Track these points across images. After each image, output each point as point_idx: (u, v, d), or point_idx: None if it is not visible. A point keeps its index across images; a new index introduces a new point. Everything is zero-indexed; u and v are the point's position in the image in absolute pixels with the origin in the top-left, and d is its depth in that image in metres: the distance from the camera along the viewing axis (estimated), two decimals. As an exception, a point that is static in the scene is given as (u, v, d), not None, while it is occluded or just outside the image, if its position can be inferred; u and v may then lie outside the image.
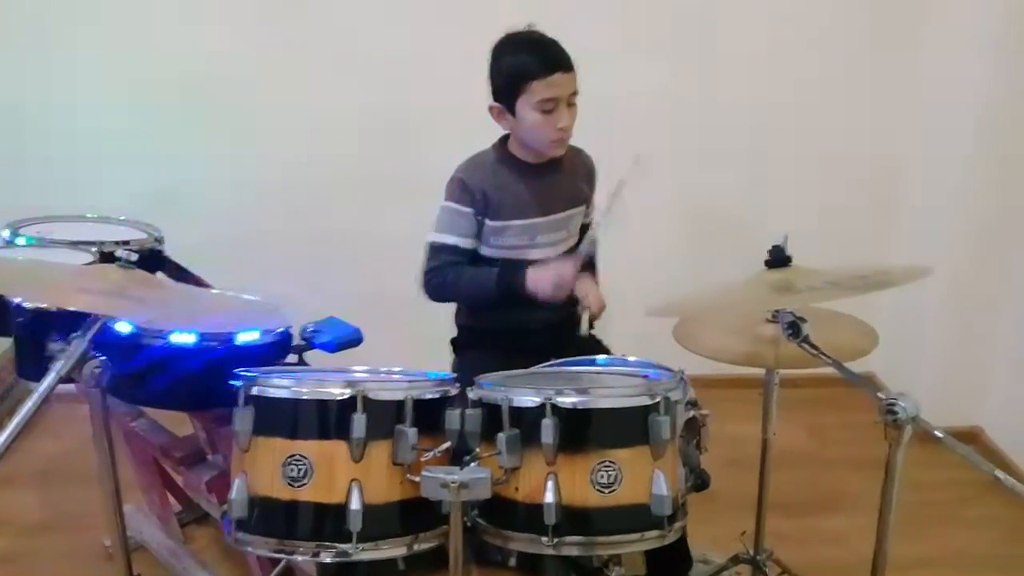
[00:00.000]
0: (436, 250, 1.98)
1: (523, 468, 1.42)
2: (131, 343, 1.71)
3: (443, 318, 2.15)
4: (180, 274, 2.18)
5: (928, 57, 2.98)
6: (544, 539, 1.39)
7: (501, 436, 1.41)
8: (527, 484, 1.41)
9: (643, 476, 1.41)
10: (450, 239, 1.97)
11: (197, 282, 2.19)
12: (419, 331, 2.20)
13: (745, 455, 2.06)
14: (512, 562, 1.66)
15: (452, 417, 1.48)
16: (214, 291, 2.02)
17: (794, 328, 1.58)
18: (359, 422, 1.38)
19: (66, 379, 1.40)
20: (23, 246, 2.07)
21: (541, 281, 1.91)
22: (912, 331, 3.01)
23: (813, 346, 1.58)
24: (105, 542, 2.26)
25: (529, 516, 1.40)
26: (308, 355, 1.94)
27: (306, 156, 3.03)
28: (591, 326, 1.98)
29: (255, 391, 1.44)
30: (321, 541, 1.39)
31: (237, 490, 1.42)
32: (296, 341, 1.91)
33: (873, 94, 3.08)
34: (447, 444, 1.46)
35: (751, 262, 1.66)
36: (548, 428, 1.38)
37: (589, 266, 2.16)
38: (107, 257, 1.92)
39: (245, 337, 1.75)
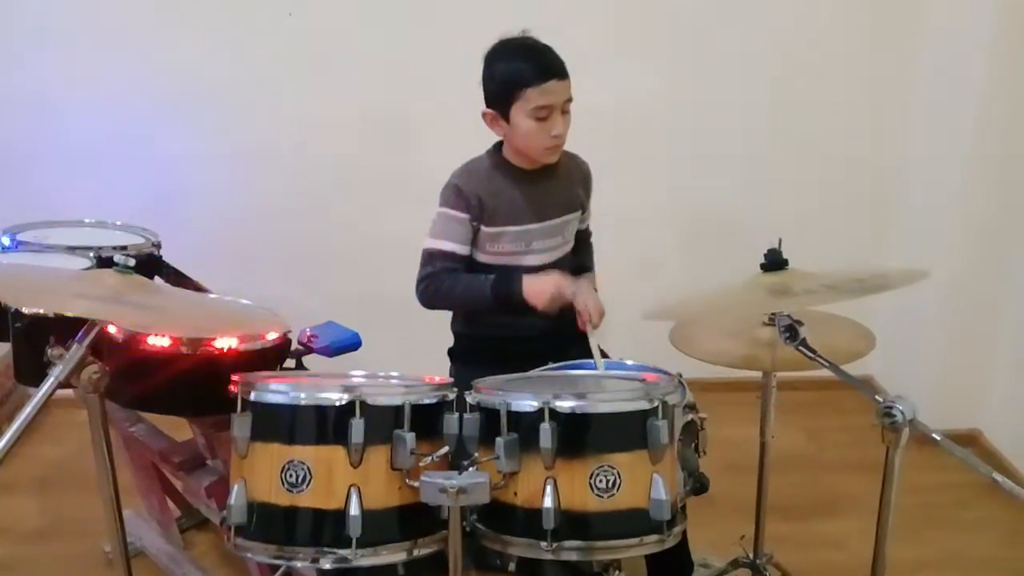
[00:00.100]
0: (432, 256, 1.98)
1: (522, 473, 1.42)
2: (130, 348, 1.71)
3: (441, 323, 2.15)
4: (178, 279, 2.18)
5: (927, 59, 2.99)
6: (543, 544, 1.39)
7: (499, 441, 1.41)
8: (526, 489, 1.41)
9: (642, 480, 1.41)
10: (446, 245, 1.97)
11: (195, 287, 2.19)
12: (418, 336, 2.20)
13: (744, 459, 2.07)
14: (511, 567, 1.65)
15: (450, 422, 1.48)
16: (212, 296, 2.02)
17: (791, 331, 1.59)
18: (357, 427, 1.38)
19: (64, 384, 1.40)
20: (20, 251, 2.07)
21: (538, 293, 1.91)
22: (911, 333, 3.01)
23: (810, 349, 1.58)
24: (105, 548, 2.26)
25: (528, 521, 1.40)
26: (307, 360, 1.94)
27: (305, 160, 3.03)
28: (603, 354, 1.97)
29: (253, 396, 1.44)
30: (320, 547, 1.39)
31: (236, 496, 1.42)
32: (295, 346, 1.91)
33: (870, 97, 3.09)
34: (445, 449, 1.46)
35: (748, 265, 1.66)
36: (546, 433, 1.38)
37: (587, 271, 2.17)
38: (105, 262, 1.91)
39: (243, 342, 1.75)
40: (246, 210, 3.05)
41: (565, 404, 1.40)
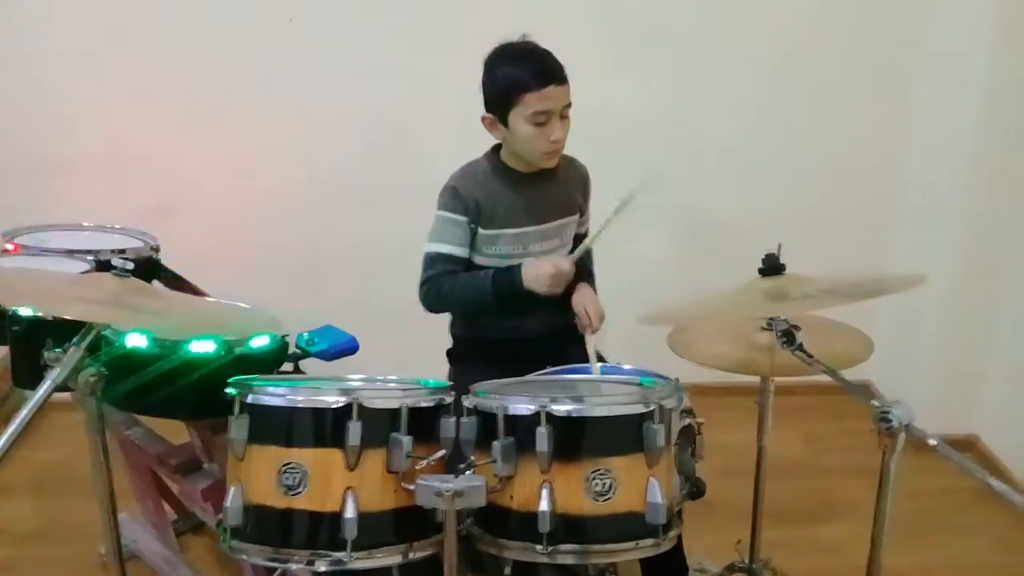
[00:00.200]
0: (432, 260, 1.99)
1: (518, 476, 1.42)
2: (127, 352, 1.71)
3: (439, 327, 2.16)
4: (176, 283, 2.18)
5: (927, 63, 2.99)
6: (539, 547, 1.39)
7: (496, 444, 1.41)
8: (522, 492, 1.41)
9: (638, 484, 1.41)
10: (444, 248, 1.98)
11: (193, 291, 2.19)
12: (415, 340, 2.20)
13: (741, 463, 2.07)
14: (507, 571, 1.66)
15: (447, 425, 1.49)
16: (210, 300, 2.03)
17: (788, 336, 1.59)
18: (354, 430, 1.38)
19: (62, 387, 1.40)
20: (19, 255, 2.07)
21: (537, 277, 1.91)
22: (909, 339, 3.02)
23: (807, 354, 1.58)
24: (100, 551, 2.25)
25: (524, 524, 1.40)
26: (304, 363, 1.94)
27: (302, 165, 3.04)
28: (600, 357, 1.98)
29: (251, 399, 1.44)
30: (316, 549, 1.39)
31: (232, 498, 1.42)
32: (292, 349, 1.91)
33: (870, 102, 3.09)
34: (442, 452, 1.46)
35: (746, 270, 1.66)
36: (543, 436, 1.38)
37: (586, 275, 2.17)
38: (103, 266, 1.92)
39: (241, 346, 1.75)
40: (244, 214, 3.05)
41: (562, 408, 1.40)
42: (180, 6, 2.88)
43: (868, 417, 1.46)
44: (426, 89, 2.95)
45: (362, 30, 2.93)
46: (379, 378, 1.64)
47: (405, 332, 2.32)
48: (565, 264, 1.92)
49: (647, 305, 1.67)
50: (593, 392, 1.70)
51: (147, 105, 2.94)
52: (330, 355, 1.92)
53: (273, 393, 1.44)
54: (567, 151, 2.01)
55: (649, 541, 1.42)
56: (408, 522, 1.43)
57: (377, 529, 1.41)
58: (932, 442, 1.41)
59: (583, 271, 2.15)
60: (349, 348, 1.95)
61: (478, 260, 2.02)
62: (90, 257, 2.04)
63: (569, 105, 1.92)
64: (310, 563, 1.40)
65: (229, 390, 1.47)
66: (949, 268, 2.85)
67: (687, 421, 1.61)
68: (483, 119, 1.96)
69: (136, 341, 1.69)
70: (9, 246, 2.11)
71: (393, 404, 1.43)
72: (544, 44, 1.94)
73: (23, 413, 1.35)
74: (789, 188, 3.16)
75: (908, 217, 3.14)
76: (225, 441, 1.47)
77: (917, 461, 1.61)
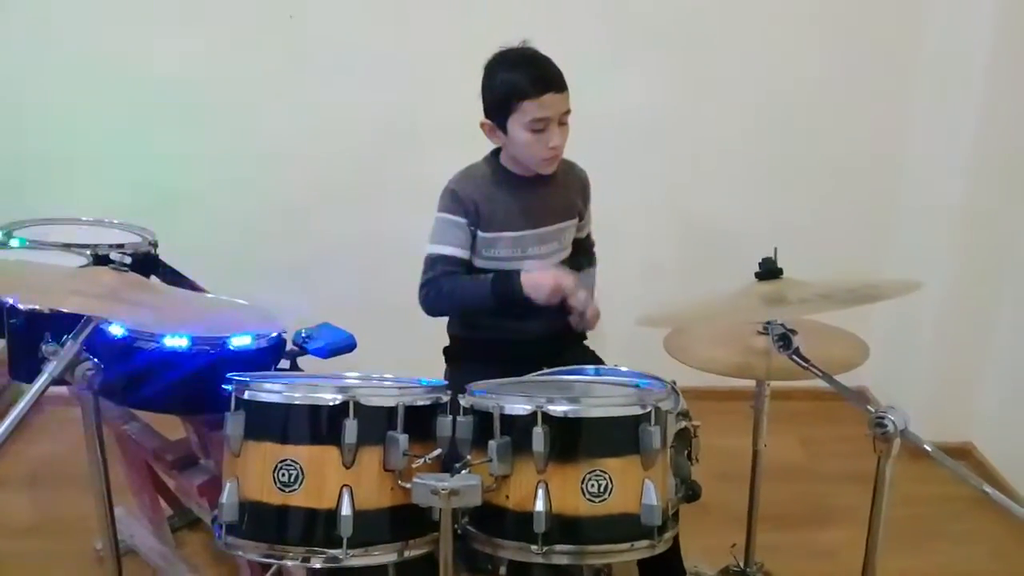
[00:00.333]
0: (432, 261, 1.99)
1: (514, 476, 1.42)
2: (124, 346, 1.71)
3: (437, 325, 2.16)
4: (174, 278, 2.18)
5: (926, 68, 3.00)
6: (534, 547, 1.39)
7: (492, 444, 1.41)
8: (518, 492, 1.41)
9: (633, 485, 1.41)
10: (445, 249, 1.98)
11: (191, 286, 2.19)
12: (413, 338, 2.20)
13: (737, 467, 2.07)
14: (502, 570, 1.66)
15: (444, 424, 1.49)
16: (208, 295, 2.03)
17: (784, 340, 1.60)
18: (351, 428, 1.39)
19: (59, 381, 1.40)
20: (16, 248, 2.07)
21: (538, 286, 1.91)
22: (905, 345, 3.02)
23: (803, 358, 1.59)
24: (96, 546, 2.25)
25: (519, 524, 1.40)
26: (301, 361, 1.94)
27: (302, 162, 3.04)
28: (591, 356, 1.98)
29: (247, 395, 1.44)
30: (311, 546, 1.39)
31: (228, 494, 1.42)
32: (289, 346, 1.91)
33: (869, 106, 3.09)
34: (438, 451, 1.46)
35: (744, 273, 1.67)
36: (539, 436, 1.38)
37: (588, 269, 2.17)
38: (101, 260, 1.92)
39: (238, 342, 1.76)
40: (243, 211, 3.06)
41: (558, 408, 1.40)
42: (180, 3, 2.89)
43: (864, 423, 1.46)
44: (426, 88, 2.95)
45: (363, 29, 2.93)
46: (376, 376, 1.64)
47: (403, 330, 2.32)
48: (567, 280, 1.92)
49: (645, 307, 1.67)
50: (590, 393, 1.70)
51: (148, 101, 2.94)
52: (327, 352, 1.92)
53: (270, 390, 1.44)
54: (567, 154, 2.01)
55: (644, 543, 1.42)
56: (404, 520, 1.43)
57: (373, 527, 1.41)
58: (927, 448, 1.42)
59: (583, 274, 2.16)
60: (346, 346, 1.95)
61: (477, 263, 2.02)
62: (88, 251, 2.04)
63: (568, 112, 1.92)
64: (305, 560, 1.40)
65: (226, 386, 1.47)
66: (946, 273, 2.85)
67: (683, 424, 1.61)
68: (482, 125, 1.96)
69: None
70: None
71: (390, 402, 1.43)
72: (543, 47, 1.94)
73: (20, 407, 1.35)
74: (788, 189, 3.16)
75: (906, 219, 3.14)
76: (221, 437, 1.47)
77: (912, 468, 1.61)
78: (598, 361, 2.03)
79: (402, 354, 2.12)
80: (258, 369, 1.72)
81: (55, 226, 2.24)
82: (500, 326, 2.04)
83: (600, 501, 1.39)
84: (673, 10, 2.96)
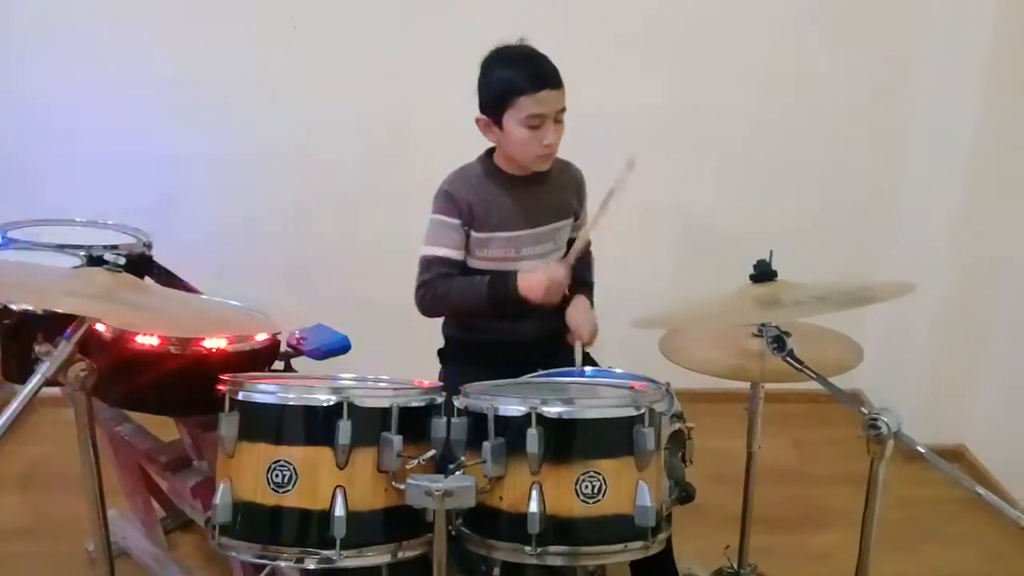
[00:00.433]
0: (427, 263, 1.99)
1: (508, 477, 1.42)
2: (118, 347, 1.70)
3: (431, 327, 2.15)
4: (169, 279, 2.17)
5: (926, 72, 3.00)
6: (528, 548, 1.39)
7: (486, 445, 1.41)
8: (511, 493, 1.41)
9: (627, 487, 1.41)
10: (440, 251, 1.98)
11: (185, 287, 2.19)
12: (407, 340, 2.20)
13: (731, 469, 2.07)
14: (496, 571, 1.66)
15: (438, 425, 1.49)
16: (202, 296, 2.02)
17: (779, 342, 1.60)
18: (344, 429, 1.38)
19: (51, 382, 1.40)
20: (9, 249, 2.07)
21: (532, 286, 1.91)
22: (899, 349, 3.02)
23: (798, 360, 1.59)
24: (88, 547, 2.25)
25: (513, 525, 1.40)
26: (295, 362, 1.94)
27: (297, 165, 3.03)
28: (586, 358, 1.98)
29: (241, 396, 1.44)
30: (305, 547, 1.39)
31: (222, 495, 1.42)
32: (284, 348, 1.91)
33: (867, 109, 3.09)
34: (432, 452, 1.46)
35: (739, 276, 1.67)
36: (533, 438, 1.38)
37: (585, 289, 2.16)
38: (95, 261, 1.91)
39: (233, 343, 1.75)
40: (238, 213, 3.05)
41: (552, 409, 1.41)
42: (179, 5, 2.88)
43: (857, 425, 1.47)
44: (424, 90, 2.95)
45: (360, 32, 2.93)
46: (370, 377, 1.64)
47: (397, 332, 2.32)
48: (559, 273, 1.92)
49: (640, 308, 1.67)
50: (584, 394, 1.70)
51: (145, 104, 2.93)
52: (321, 354, 1.92)
53: (264, 391, 1.44)
54: (563, 154, 2.01)
55: (638, 544, 1.42)
56: (397, 521, 1.43)
57: (366, 528, 1.41)
58: (921, 449, 1.42)
59: (582, 284, 2.15)
60: (341, 347, 1.95)
61: (472, 263, 2.02)
62: (82, 252, 2.03)
63: (563, 110, 1.92)
64: (299, 561, 1.40)
65: (220, 387, 1.47)
66: (942, 275, 2.86)
67: (677, 425, 1.61)
68: (477, 120, 1.96)
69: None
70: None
71: (384, 403, 1.43)
72: (541, 45, 1.94)
73: (12, 407, 1.35)
74: (787, 189, 3.16)
75: (905, 220, 3.14)
76: (215, 438, 1.47)
77: (906, 470, 1.62)
78: (592, 363, 2.03)
79: (396, 355, 2.12)
80: (251, 370, 1.72)
81: (49, 227, 2.23)
82: (495, 328, 2.04)
83: (594, 502, 1.40)
84: (672, 10, 2.96)
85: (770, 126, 3.09)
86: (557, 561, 1.40)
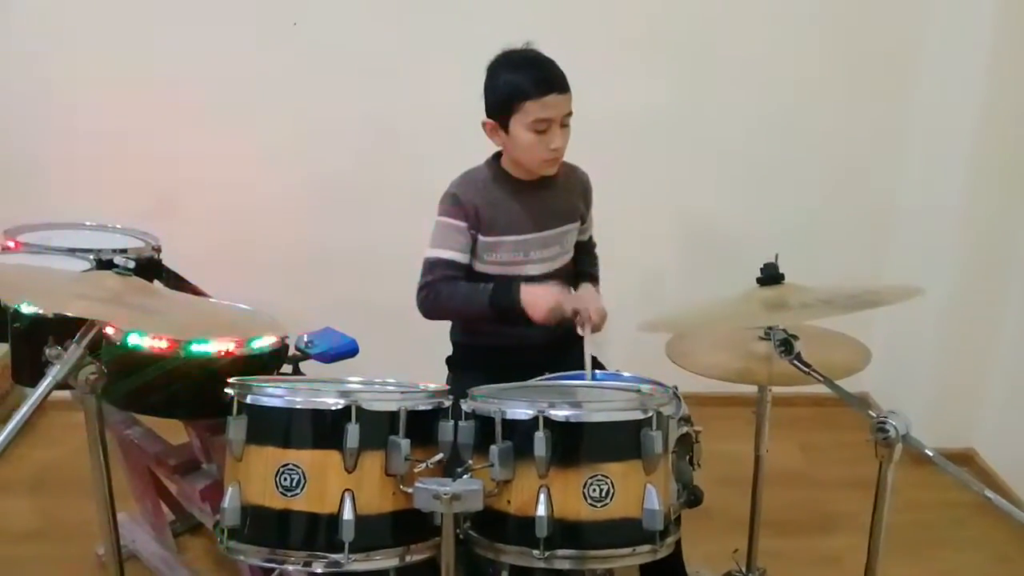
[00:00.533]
0: (432, 265, 1.99)
1: (515, 481, 1.42)
2: (127, 351, 1.71)
3: (439, 331, 2.16)
4: (177, 283, 2.19)
5: (927, 73, 3.00)
6: (536, 552, 1.39)
7: (494, 448, 1.41)
8: (519, 497, 1.41)
9: (635, 490, 1.41)
10: (445, 254, 1.98)
11: (194, 291, 2.20)
12: (415, 343, 2.20)
13: (739, 473, 2.07)
14: (504, 575, 1.66)
15: (445, 429, 1.49)
16: (211, 300, 2.03)
17: (786, 345, 1.60)
18: (352, 432, 1.39)
19: (62, 385, 1.41)
20: (20, 252, 2.08)
21: (535, 305, 1.91)
22: (907, 351, 3.02)
23: (805, 364, 1.59)
24: (98, 551, 2.26)
25: (521, 529, 1.40)
26: (304, 365, 1.95)
27: (305, 167, 3.05)
28: (593, 362, 1.98)
29: (249, 400, 1.44)
30: (313, 551, 1.39)
31: (230, 499, 1.42)
32: (292, 351, 1.92)
33: (870, 111, 3.09)
34: (440, 456, 1.46)
35: (746, 278, 1.67)
36: (541, 441, 1.38)
37: (590, 278, 2.17)
38: (105, 264, 1.92)
39: (241, 347, 1.76)
40: (246, 216, 3.06)
41: (560, 413, 1.40)
42: (181, 7, 2.90)
43: (865, 429, 1.46)
44: (427, 93, 2.96)
45: (363, 33, 2.94)
46: (378, 381, 1.64)
47: (405, 335, 2.32)
48: (567, 304, 1.92)
49: (647, 313, 1.67)
50: (592, 398, 1.70)
51: (150, 107, 2.95)
52: (329, 357, 1.93)
53: (272, 394, 1.44)
54: (568, 157, 2.01)
55: (646, 547, 1.42)
56: (405, 525, 1.43)
57: (374, 531, 1.41)
58: (929, 453, 1.42)
59: (587, 274, 2.16)
60: (349, 351, 1.95)
61: (478, 267, 2.03)
62: (91, 256, 2.04)
63: (570, 114, 1.93)
64: (307, 564, 1.39)
65: (228, 390, 1.47)
66: (948, 277, 2.85)
67: (685, 429, 1.61)
68: (484, 124, 1.97)
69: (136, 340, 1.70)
70: (11, 243, 2.12)
71: (392, 407, 1.43)
72: (544, 47, 1.95)
73: (23, 411, 1.35)
74: (790, 190, 3.16)
75: (907, 220, 3.14)
76: (223, 441, 1.47)
77: (914, 474, 1.62)
78: (600, 367, 2.03)
79: (404, 358, 2.12)
80: (260, 374, 1.72)
81: (58, 231, 2.24)
82: (503, 333, 2.04)
83: (602, 506, 1.39)
84: (674, 12, 2.97)
85: (770, 126, 3.09)
86: (565, 565, 1.40)
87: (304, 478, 1.39)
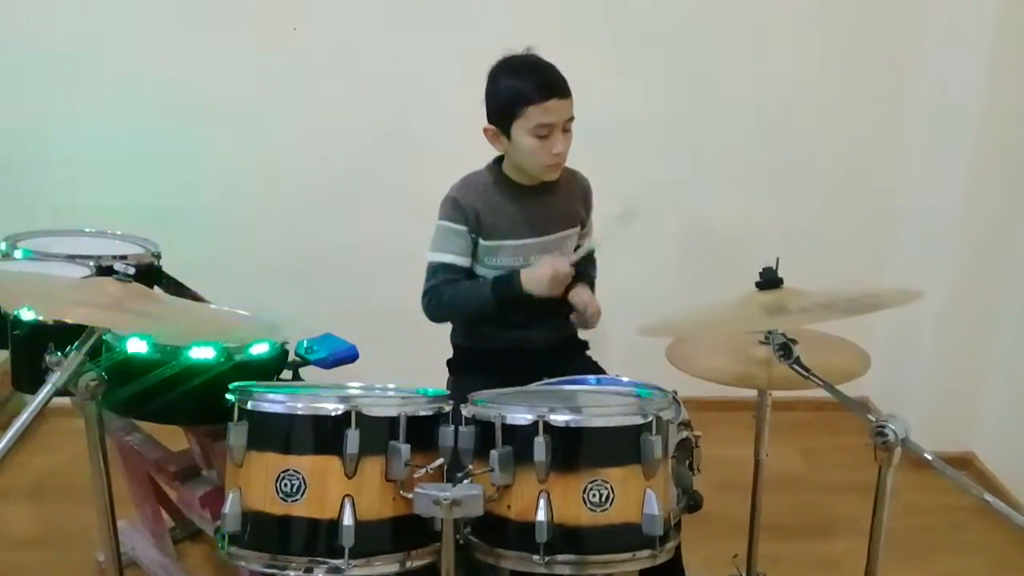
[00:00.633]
0: (434, 269, 2.00)
1: (515, 486, 1.42)
2: (127, 358, 1.71)
3: (439, 335, 2.16)
4: (178, 290, 2.19)
5: (927, 74, 3.00)
6: (536, 557, 1.39)
7: (494, 453, 1.41)
8: (519, 502, 1.42)
9: (635, 495, 1.41)
10: (446, 257, 1.99)
11: (194, 297, 2.20)
12: (415, 348, 2.20)
13: (739, 478, 2.07)
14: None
15: (445, 434, 1.49)
16: (211, 306, 2.03)
17: (785, 350, 1.60)
18: (353, 438, 1.39)
19: (62, 392, 1.41)
20: (20, 259, 2.08)
21: (536, 279, 1.91)
22: (907, 355, 3.02)
23: (804, 368, 1.59)
24: (98, 558, 2.25)
25: (521, 534, 1.41)
26: (304, 371, 1.95)
27: (304, 173, 3.05)
28: (593, 366, 1.98)
29: (250, 406, 1.45)
30: (314, 557, 1.39)
31: (231, 504, 1.42)
32: (292, 357, 1.92)
33: (870, 113, 3.10)
34: (440, 461, 1.46)
35: (745, 283, 1.67)
36: (541, 446, 1.39)
37: (586, 278, 2.17)
38: (105, 271, 1.93)
39: (241, 353, 1.76)
40: (245, 222, 3.07)
41: (560, 418, 1.41)
42: (182, 9, 2.90)
43: (865, 433, 1.46)
44: (428, 97, 2.96)
45: (365, 36, 2.94)
46: (378, 386, 1.65)
47: (405, 340, 2.33)
48: (563, 265, 1.92)
49: (646, 316, 1.67)
50: (591, 403, 1.70)
51: (150, 113, 2.96)
52: (330, 363, 1.93)
53: (272, 400, 1.45)
54: (571, 163, 2.02)
55: (646, 552, 1.42)
56: (406, 530, 1.43)
57: (375, 537, 1.41)
58: (928, 456, 1.42)
59: (584, 276, 2.16)
60: (349, 356, 1.95)
61: (479, 271, 2.03)
62: (91, 262, 2.05)
63: (572, 119, 1.93)
64: (308, 570, 1.40)
65: (229, 396, 1.47)
66: (948, 279, 2.85)
67: (685, 434, 1.61)
68: (485, 130, 1.97)
69: (137, 347, 1.70)
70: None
71: (392, 412, 1.44)
72: (544, 50, 1.96)
73: (23, 417, 1.35)
74: (790, 192, 3.17)
75: (907, 221, 3.14)
76: (224, 448, 1.48)
77: (914, 478, 1.62)
78: (600, 371, 2.03)
79: (404, 364, 2.13)
80: (261, 380, 1.72)
81: (58, 237, 2.24)
82: (503, 336, 2.05)
83: (601, 511, 1.40)
84: (673, 13, 2.97)
85: (770, 126, 3.10)
86: (565, 570, 1.40)
87: (304, 484, 1.39)
